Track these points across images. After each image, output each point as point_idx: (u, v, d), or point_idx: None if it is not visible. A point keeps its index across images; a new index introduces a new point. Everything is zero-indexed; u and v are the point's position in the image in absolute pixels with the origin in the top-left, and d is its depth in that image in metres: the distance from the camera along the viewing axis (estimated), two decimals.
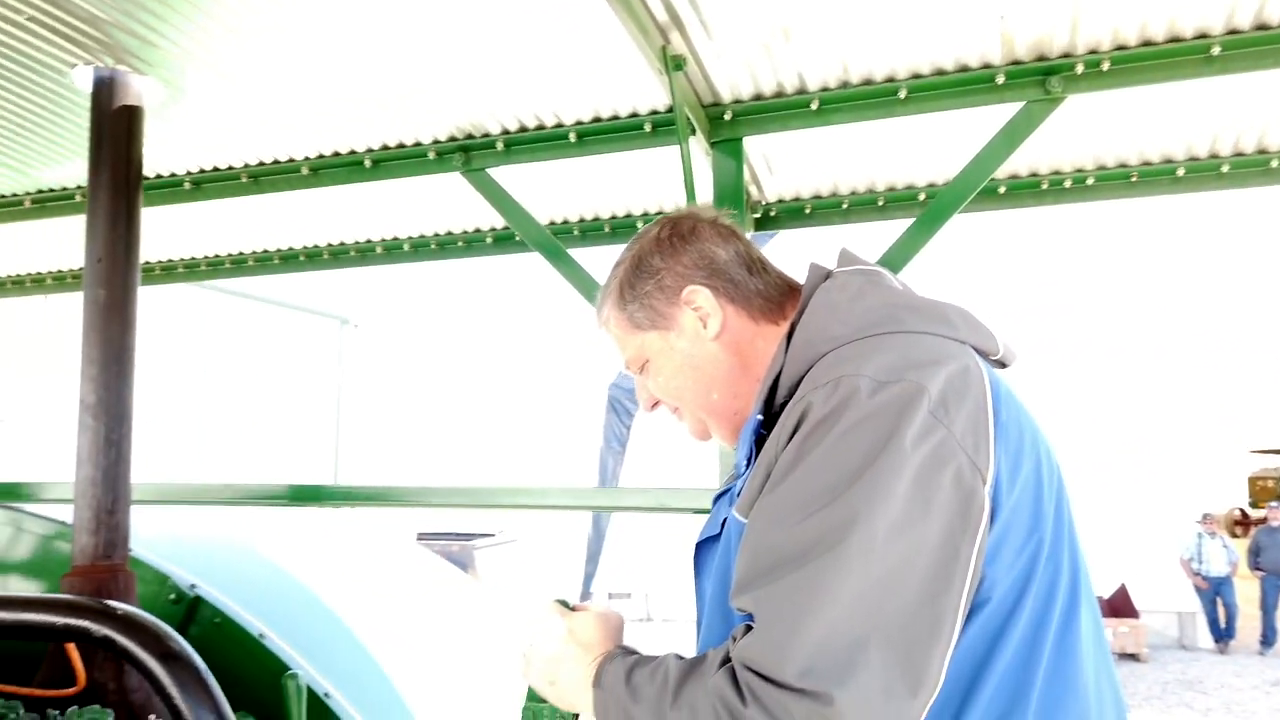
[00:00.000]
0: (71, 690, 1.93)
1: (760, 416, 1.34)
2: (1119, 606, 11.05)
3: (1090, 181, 2.79)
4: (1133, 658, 10.76)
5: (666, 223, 1.54)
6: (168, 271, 3.77)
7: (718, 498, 1.45)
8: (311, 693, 2.34)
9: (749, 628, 1.17)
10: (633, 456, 11.55)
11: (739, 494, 1.33)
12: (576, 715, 1.37)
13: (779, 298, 1.48)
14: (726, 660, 1.16)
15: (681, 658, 1.24)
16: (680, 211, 1.58)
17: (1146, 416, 12.10)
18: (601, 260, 3.13)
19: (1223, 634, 11.34)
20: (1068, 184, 2.81)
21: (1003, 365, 1.39)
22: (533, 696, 1.40)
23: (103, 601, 1.78)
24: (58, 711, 1.67)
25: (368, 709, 2.47)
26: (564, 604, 1.39)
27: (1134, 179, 2.79)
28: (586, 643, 1.35)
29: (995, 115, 2.32)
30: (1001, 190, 2.83)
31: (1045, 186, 2.82)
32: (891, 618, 1.10)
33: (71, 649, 1.95)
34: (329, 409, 17.70)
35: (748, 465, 1.36)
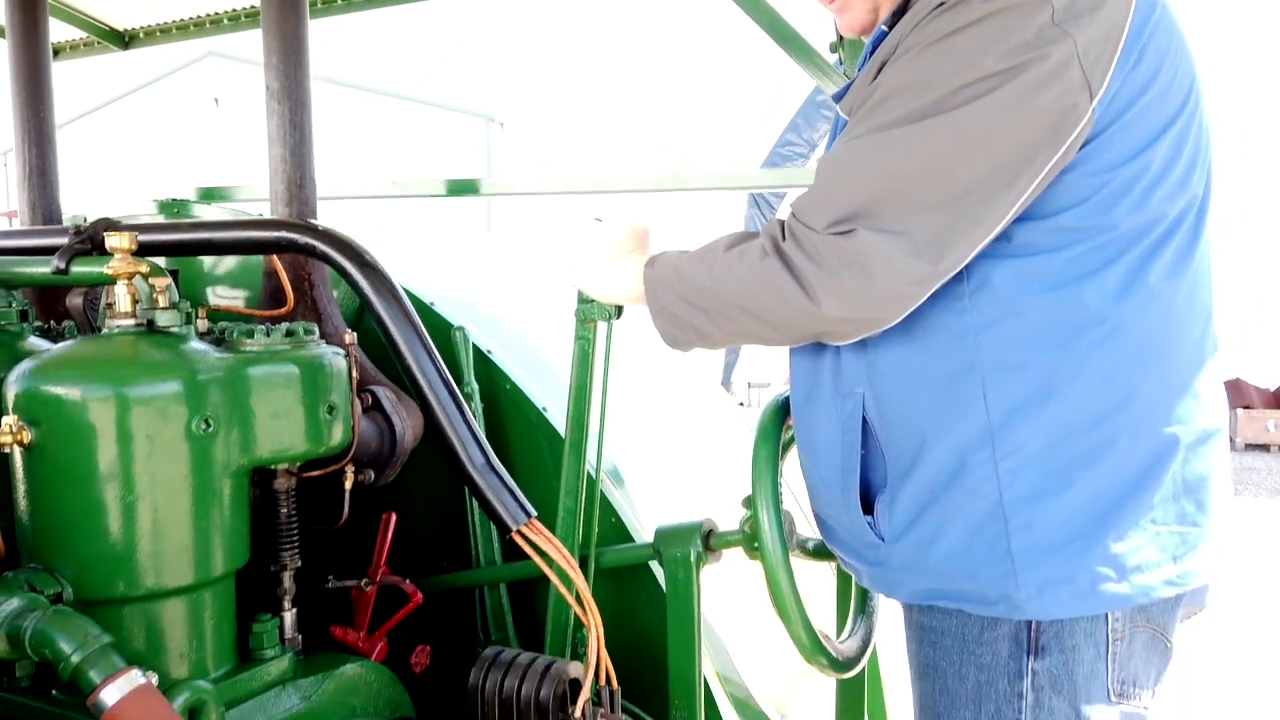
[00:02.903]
0: (283, 310, 2.31)
1: (886, 28, 1.38)
2: None
3: None
4: None
5: None
6: (328, 4, 4.01)
7: (836, 98, 1.49)
8: (476, 347, 2.69)
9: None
10: None
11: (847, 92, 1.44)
12: (620, 308, 1.61)
13: None
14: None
15: None
16: None
17: None
18: None
19: None
20: None
21: None
22: (582, 299, 1.66)
23: (307, 220, 2.10)
24: (272, 323, 2.02)
25: (525, 369, 2.81)
26: (597, 220, 1.63)
27: None
28: (620, 244, 1.56)
29: None
30: None
31: None
32: (942, 198, 1.18)
33: (283, 278, 2.32)
34: (479, 208, 18.31)
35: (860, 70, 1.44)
